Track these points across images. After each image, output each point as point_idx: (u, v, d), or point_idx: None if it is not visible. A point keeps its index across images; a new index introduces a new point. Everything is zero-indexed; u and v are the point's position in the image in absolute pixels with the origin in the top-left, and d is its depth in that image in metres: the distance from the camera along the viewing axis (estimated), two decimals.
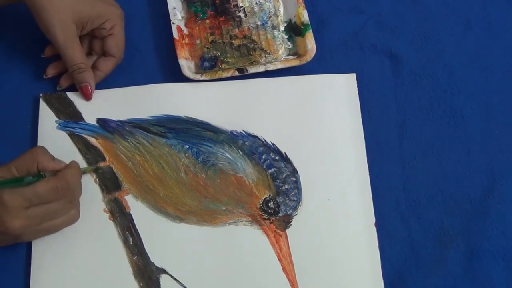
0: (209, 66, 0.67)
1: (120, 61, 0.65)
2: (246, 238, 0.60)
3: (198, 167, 0.62)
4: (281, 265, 0.59)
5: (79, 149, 0.63)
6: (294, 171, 0.62)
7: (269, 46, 0.68)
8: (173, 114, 0.64)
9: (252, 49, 0.67)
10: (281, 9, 0.69)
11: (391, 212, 0.61)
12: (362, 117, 0.64)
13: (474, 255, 0.60)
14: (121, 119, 0.64)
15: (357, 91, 0.65)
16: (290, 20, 0.68)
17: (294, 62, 0.65)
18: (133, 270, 0.58)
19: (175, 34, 0.66)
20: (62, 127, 0.64)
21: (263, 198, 0.61)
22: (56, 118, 0.64)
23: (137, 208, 0.61)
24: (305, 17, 0.66)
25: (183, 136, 0.63)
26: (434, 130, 0.65)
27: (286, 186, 0.61)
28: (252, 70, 0.65)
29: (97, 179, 0.62)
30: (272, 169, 0.62)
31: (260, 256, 0.59)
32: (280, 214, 0.60)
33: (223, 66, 0.66)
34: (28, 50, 0.67)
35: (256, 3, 0.69)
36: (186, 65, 0.65)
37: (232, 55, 0.67)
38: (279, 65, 0.65)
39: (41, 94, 0.64)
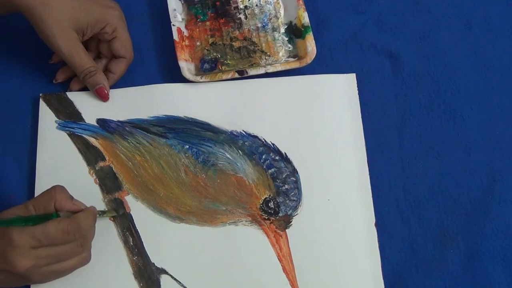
0: (209, 68, 0.67)
1: (132, 60, 0.65)
2: (246, 238, 0.59)
3: (198, 167, 0.62)
4: (281, 265, 0.59)
5: (79, 149, 0.63)
6: (294, 171, 0.62)
7: (270, 48, 0.67)
8: (173, 114, 0.64)
9: (252, 51, 0.67)
10: (282, 11, 0.69)
11: (391, 212, 0.61)
12: (362, 117, 0.64)
13: (474, 255, 0.60)
14: (121, 119, 0.64)
15: (357, 91, 0.65)
16: (291, 22, 0.68)
17: (294, 64, 0.65)
18: (133, 270, 0.58)
19: (175, 36, 0.66)
20: (62, 127, 0.64)
21: (263, 198, 0.61)
22: (56, 118, 0.64)
23: (137, 209, 0.61)
24: (305, 19, 0.66)
25: (183, 136, 0.63)
26: (434, 130, 0.65)
27: (286, 186, 0.61)
28: (252, 72, 0.65)
29: (97, 179, 0.62)
30: (272, 169, 0.62)
31: (260, 256, 0.59)
32: (280, 214, 0.60)
33: (223, 68, 0.66)
34: (28, 51, 0.67)
35: (256, 5, 0.69)
36: (186, 67, 0.65)
37: (232, 57, 0.67)
38: (279, 67, 0.65)
39: (41, 94, 0.65)
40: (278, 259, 0.59)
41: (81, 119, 0.64)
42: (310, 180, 0.62)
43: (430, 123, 0.65)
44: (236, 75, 0.64)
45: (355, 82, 0.66)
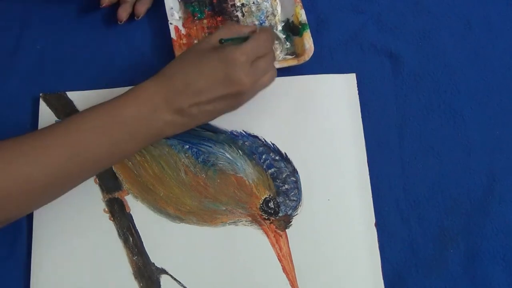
0: None
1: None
2: (246, 238, 0.60)
3: (198, 167, 0.62)
4: (281, 265, 0.59)
5: None
6: (294, 171, 0.62)
7: None
8: None
9: None
10: (279, 9, 0.69)
11: (391, 212, 0.61)
12: (362, 117, 0.64)
13: (474, 255, 0.60)
14: None
15: (357, 91, 0.65)
16: (288, 19, 0.68)
17: (292, 62, 0.65)
18: (133, 270, 0.59)
19: (173, 35, 0.66)
20: None
21: (263, 198, 0.61)
22: (56, 118, 0.64)
23: (137, 208, 0.61)
24: (302, 16, 0.66)
25: (183, 136, 0.63)
26: (434, 130, 0.64)
27: (286, 186, 0.61)
28: None
29: (97, 179, 0.62)
30: (272, 169, 0.62)
31: (260, 256, 0.59)
32: (280, 214, 0.60)
33: None
34: (28, 51, 0.67)
35: (253, 3, 0.69)
36: None
37: None
38: (277, 65, 0.64)
39: (41, 94, 0.64)
40: (278, 259, 0.59)
41: None
42: (310, 180, 0.62)
43: (430, 123, 0.65)
44: None
45: (355, 82, 0.65)
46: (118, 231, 0.60)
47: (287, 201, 0.61)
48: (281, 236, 0.60)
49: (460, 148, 0.64)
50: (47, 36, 0.67)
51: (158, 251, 0.59)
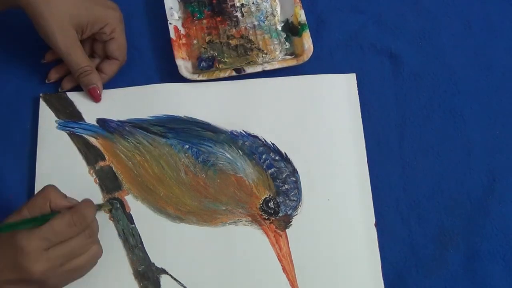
0: (206, 66, 0.66)
1: (124, 62, 0.65)
2: (246, 238, 0.59)
3: (198, 167, 0.62)
4: (281, 265, 0.59)
5: (79, 149, 0.63)
6: (294, 171, 0.62)
7: (266, 46, 0.67)
8: (173, 114, 0.64)
9: (249, 49, 0.67)
10: (278, 9, 0.69)
11: (391, 212, 0.61)
12: (362, 117, 0.64)
13: (474, 255, 0.60)
14: (121, 119, 0.64)
15: (357, 91, 0.65)
16: (287, 20, 0.68)
17: (291, 62, 0.65)
18: (133, 270, 0.58)
19: (172, 34, 0.66)
20: (62, 127, 0.63)
21: (263, 198, 0.61)
22: (56, 118, 0.64)
23: (137, 208, 0.60)
24: (302, 16, 0.66)
25: (183, 136, 0.63)
26: (434, 130, 0.64)
27: (286, 186, 0.61)
28: (249, 70, 0.64)
29: (97, 179, 0.62)
30: (272, 169, 0.62)
31: (260, 256, 0.59)
32: (280, 214, 0.60)
33: (220, 66, 0.66)
34: (28, 51, 0.67)
35: (253, 3, 0.69)
36: (183, 65, 0.65)
37: (229, 55, 0.67)
38: (276, 65, 0.65)
39: (41, 94, 0.64)
40: (278, 259, 0.59)
41: (81, 118, 0.64)
42: (310, 180, 0.61)
43: (430, 123, 0.65)
44: (233, 73, 0.64)
45: (355, 82, 0.65)
46: (118, 231, 0.60)
47: (287, 201, 0.61)
48: (281, 236, 0.60)
49: (460, 148, 0.64)
50: None
51: (158, 251, 0.59)
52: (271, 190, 0.61)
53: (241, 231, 0.60)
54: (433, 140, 0.64)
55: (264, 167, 0.62)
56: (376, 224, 0.60)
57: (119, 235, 0.59)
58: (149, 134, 0.63)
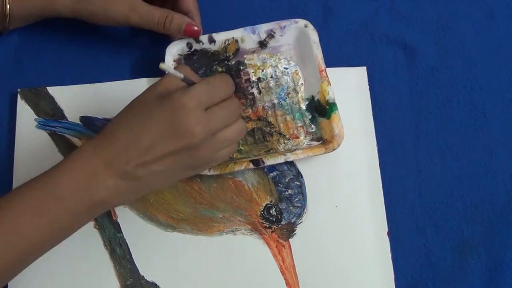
0: None
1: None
2: (246, 249, 0.58)
3: None
4: (284, 278, 0.58)
5: (60, 150, 0.61)
6: (298, 175, 0.60)
7: (288, 130, 0.61)
8: None
9: (268, 134, 0.61)
10: (302, 84, 0.62)
11: (405, 220, 0.60)
12: (373, 114, 0.63)
13: (496, 266, 0.59)
14: (107, 116, 0.62)
15: (368, 86, 0.64)
16: (313, 97, 0.61)
17: (318, 151, 0.58)
18: (120, 284, 0.57)
19: None
20: (42, 125, 0.62)
21: (264, 205, 0.59)
22: (36, 116, 0.62)
23: (125, 216, 0.59)
24: (330, 94, 0.59)
25: None
26: (453, 129, 0.63)
27: (290, 191, 0.60)
28: (269, 162, 0.58)
29: None
30: (274, 173, 0.60)
31: (261, 269, 0.58)
32: (282, 222, 0.59)
33: (235, 156, 0.60)
34: (5, 41, 0.65)
35: (271, 77, 0.62)
36: None
37: (245, 142, 0.61)
38: (301, 155, 0.58)
39: (18, 90, 0.63)
40: (281, 271, 0.58)
41: (63, 117, 0.62)
42: (316, 184, 0.60)
43: (448, 122, 0.63)
44: (251, 166, 0.58)
45: (366, 76, 0.64)
46: (103, 241, 0.58)
47: (291, 207, 0.59)
48: (284, 246, 0.58)
49: (481, 149, 0.63)
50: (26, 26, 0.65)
51: (148, 263, 0.58)
52: (273, 196, 0.60)
53: (240, 241, 0.59)
54: (452, 140, 0.63)
55: (265, 170, 0.60)
56: (389, 233, 0.59)
57: (105, 245, 0.58)
58: None
